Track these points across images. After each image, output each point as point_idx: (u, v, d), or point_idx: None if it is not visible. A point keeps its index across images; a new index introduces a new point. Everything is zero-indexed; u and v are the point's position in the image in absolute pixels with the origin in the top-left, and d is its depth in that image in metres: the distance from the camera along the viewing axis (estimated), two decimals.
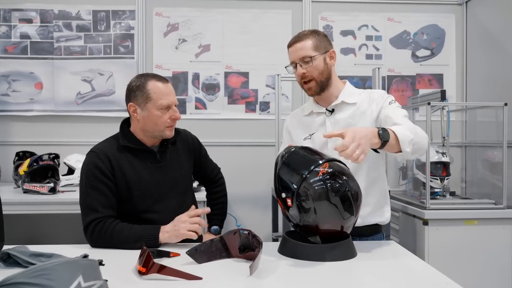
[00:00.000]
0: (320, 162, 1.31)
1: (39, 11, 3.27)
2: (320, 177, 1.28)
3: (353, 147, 1.22)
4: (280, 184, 1.37)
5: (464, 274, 2.42)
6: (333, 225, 1.31)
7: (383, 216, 1.64)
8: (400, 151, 1.38)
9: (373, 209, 1.61)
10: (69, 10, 3.28)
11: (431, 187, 2.60)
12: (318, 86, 1.59)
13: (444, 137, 2.85)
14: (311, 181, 1.28)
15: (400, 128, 1.40)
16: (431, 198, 2.53)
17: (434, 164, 2.64)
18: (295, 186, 1.30)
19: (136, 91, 1.58)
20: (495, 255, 2.47)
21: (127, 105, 1.61)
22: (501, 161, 2.55)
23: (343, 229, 1.32)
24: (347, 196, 1.27)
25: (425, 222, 2.44)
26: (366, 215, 1.57)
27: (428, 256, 2.43)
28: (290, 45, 1.61)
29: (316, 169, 1.29)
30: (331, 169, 1.29)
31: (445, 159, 2.66)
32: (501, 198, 2.51)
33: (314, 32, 1.60)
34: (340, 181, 1.28)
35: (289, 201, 1.32)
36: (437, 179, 2.64)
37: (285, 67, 1.67)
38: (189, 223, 1.46)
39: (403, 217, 2.74)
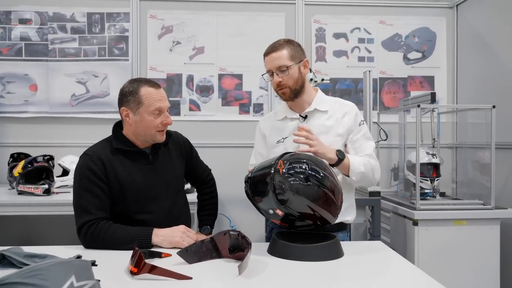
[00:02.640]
0: (272, 163, 1.39)
1: (34, 13, 3.28)
2: (284, 171, 1.35)
3: (314, 141, 1.51)
4: (261, 207, 1.42)
5: (453, 274, 2.47)
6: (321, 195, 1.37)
7: (349, 216, 1.71)
8: (348, 175, 1.60)
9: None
10: (64, 12, 3.30)
11: (422, 188, 2.64)
12: (292, 93, 1.68)
13: (434, 139, 2.89)
14: (280, 181, 1.35)
15: (358, 160, 1.62)
16: (421, 199, 2.58)
17: (425, 165, 2.68)
18: (272, 197, 1.36)
19: (128, 96, 1.60)
20: (484, 255, 2.51)
21: (119, 109, 1.64)
22: (490, 162, 2.60)
23: (335, 194, 1.39)
24: (314, 171, 1.36)
25: (415, 223, 2.48)
26: None
27: (418, 256, 2.47)
28: (266, 54, 1.69)
29: (276, 169, 1.37)
30: (287, 163, 1.37)
31: (435, 160, 2.70)
32: (490, 199, 2.55)
33: (289, 42, 1.68)
34: (302, 166, 1.36)
35: (279, 212, 1.37)
36: (427, 180, 2.68)
37: (262, 75, 1.76)
38: (186, 235, 1.52)
39: (394, 218, 2.78)
